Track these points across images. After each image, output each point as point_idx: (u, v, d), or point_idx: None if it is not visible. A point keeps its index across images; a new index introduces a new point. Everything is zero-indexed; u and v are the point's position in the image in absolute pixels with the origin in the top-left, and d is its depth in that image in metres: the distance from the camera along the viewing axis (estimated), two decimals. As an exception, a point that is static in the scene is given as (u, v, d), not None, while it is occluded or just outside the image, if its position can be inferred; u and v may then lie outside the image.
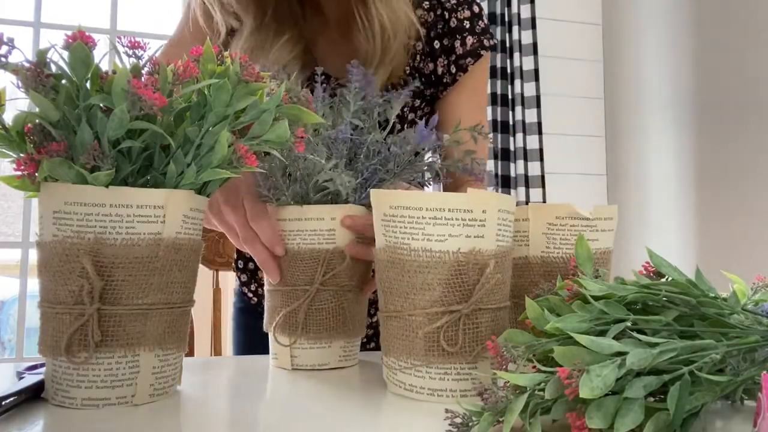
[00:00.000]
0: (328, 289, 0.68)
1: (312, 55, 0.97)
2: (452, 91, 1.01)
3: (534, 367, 0.45)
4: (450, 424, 0.43)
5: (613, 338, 0.43)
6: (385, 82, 0.93)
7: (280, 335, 0.69)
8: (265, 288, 0.72)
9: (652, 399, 0.41)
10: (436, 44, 1.00)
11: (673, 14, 2.07)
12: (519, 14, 2.46)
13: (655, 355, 0.41)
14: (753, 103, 1.76)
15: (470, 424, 0.43)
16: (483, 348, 0.55)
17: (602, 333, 0.45)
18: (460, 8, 1.00)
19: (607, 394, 0.39)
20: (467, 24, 0.99)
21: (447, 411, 0.43)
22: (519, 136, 2.42)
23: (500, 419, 0.42)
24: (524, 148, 2.42)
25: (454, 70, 0.99)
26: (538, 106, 2.43)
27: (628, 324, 0.45)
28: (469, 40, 0.99)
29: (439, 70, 1.00)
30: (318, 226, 0.67)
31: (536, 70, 2.43)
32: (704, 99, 1.92)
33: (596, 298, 0.48)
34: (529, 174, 2.43)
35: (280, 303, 0.69)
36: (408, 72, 0.98)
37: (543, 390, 0.41)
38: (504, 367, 0.45)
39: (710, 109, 1.90)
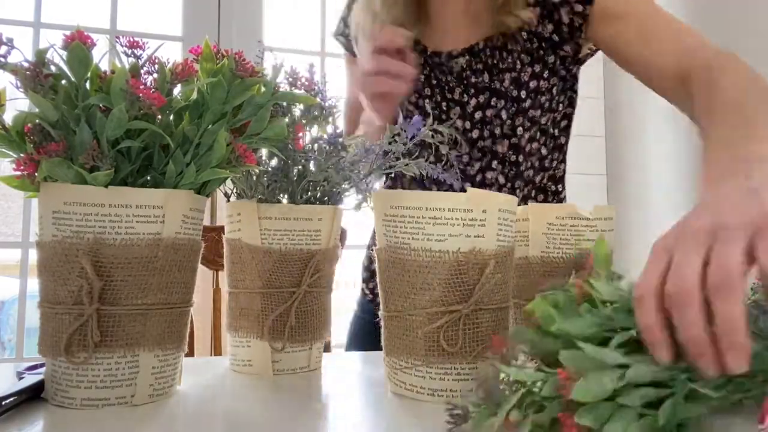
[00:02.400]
0: (313, 291, 0.67)
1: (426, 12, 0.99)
2: (612, 27, 0.91)
3: (534, 362, 0.45)
4: (449, 416, 0.43)
5: (620, 345, 0.43)
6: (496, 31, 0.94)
7: (269, 340, 0.66)
8: (229, 290, 0.68)
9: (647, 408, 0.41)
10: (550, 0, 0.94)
11: (672, 13, 2.07)
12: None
13: (656, 372, 0.40)
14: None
15: (468, 416, 0.43)
16: (483, 348, 0.55)
17: (609, 339, 0.44)
18: None
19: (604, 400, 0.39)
20: None
21: (448, 403, 0.44)
22: (519, 135, 2.42)
23: (497, 413, 0.42)
24: (524, 148, 2.41)
25: (580, 9, 0.92)
26: (538, 106, 2.42)
27: (634, 333, 0.44)
28: None
29: (565, 18, 0.93)
30: (306, 227, 0.66)
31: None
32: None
33: (606, 303, 0.47)
34: (529, 174, 2.42)
35: (261, 306, 0.65)
36: (526, 37, 0.94)
37: (540, 388, 0.41)
38: (507, 363, 0.45)
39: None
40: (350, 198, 0.71)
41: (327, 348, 1.03)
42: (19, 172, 0.51)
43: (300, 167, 0.68)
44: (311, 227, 0.66)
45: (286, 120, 0.64)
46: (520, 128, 0.95)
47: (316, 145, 0.68)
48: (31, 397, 0.52)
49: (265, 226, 0.66)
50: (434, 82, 0.98)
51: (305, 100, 0.63)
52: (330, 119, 0.69)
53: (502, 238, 0.56)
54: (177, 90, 0.55)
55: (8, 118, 0.52)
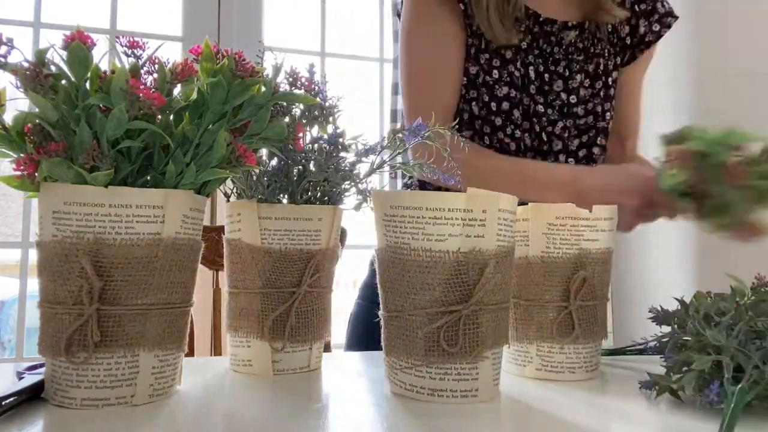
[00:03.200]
0: (313, 291, 0.67)
1: None
2: (639, 61, 1.06)
3: None
4: None
5: None
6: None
7: (269, 340, 0.66)
8: (229, 291, 0.68)
9: None
10: (636, 8, 1.04)
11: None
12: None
13: None
14: (753, 103, 1.76)
15: None
16: (483, 348, 0.55)
17: None
18: None
19: None
20: None
21: None
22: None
23: None
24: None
25: (657, 28, 1.04)
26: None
27: None
28: (666, 5, 1.06)
29: (642, 29, 1.04)
30: (306, 227, 0.66)
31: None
32: (704, 98, 1.92)
33: None
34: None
35: (261, 306, 0.65)
36: (610, 30, 1.03)
37: None
38: None
39: (710, 109, 1.89)
40: (350, 198, 0.71)
41: (327, 348, 1.03)
42: (19, 172, 0.51)
43: (300, 167, 0.68)
44: (311, 227, 0.66)
45: (286, 120, 0.64)
46: (608, 113, 1.02)
47: (316, 145, 0.68)
48: (31, 397, 0.52)
49: (265, 226, 0.66)
50: (537, 51, 0.99)
51: (305, 100, 0.63)
52: (330, 119, 0.69)
53: (502, 238, 0.56)
54: (177, 90, 0.55)
55: (8, 118, 0.52)
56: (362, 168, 0.70)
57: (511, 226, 0.58)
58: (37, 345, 0.53)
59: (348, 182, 0.69)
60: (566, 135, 0.99)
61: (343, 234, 1.27)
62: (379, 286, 0.60)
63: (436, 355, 0.54)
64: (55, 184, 0.51)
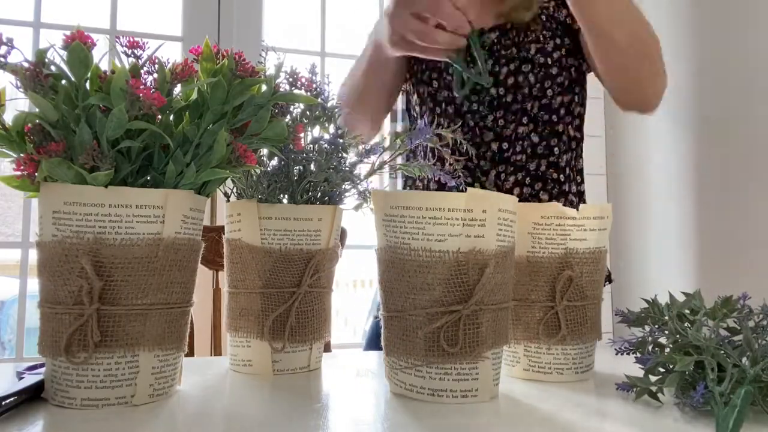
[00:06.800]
0: (314, 291, 0.67)
1: None
2: None
3: None
4: None
5: None
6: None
7: (269, 340, 0.66)
8: (229, 291, 0.68)
9: None
10: None
11: (672, 15, 2.07)
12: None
13: None
14: (753, 103, 1.76)
15: None
16: (483, 348, 0.55)
17: None
18: None
19: None
20: None
21: None
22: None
23: None
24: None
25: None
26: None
27: None
28: None
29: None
30: (306, 227, 0.66)
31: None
32: (705, 98, 1.92)
33: None
34: (530, 174, 2.42)
35: (261, 306, 0.66)
36: (545, 19, 1.08)
37: None
38: None
39: (711, 109, 1.90)
40: (350, 198, 0.71)
41: (327, 348, 1.03)
42: (19, 172, 0.51)
43: (300, 167, 0.68)
44: (311, 227, 0.66)
45: (287, 120, 0.64)
46: (550, 90, 1.08)
47: (316, 146, 0.68)
48: (31, 397, 0.52)
49: (265, 226, 0.66)
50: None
51: (305, 100, 0.63)
52: (332, 119, 0.69)
53: (502, 238, 0.56)
54: (177, 90, 0.55)
55: (8, 118, 0.52)
56: (362, 168, 0.70)
57: (511, 226, 0.58)
58: (37, 345, 0.53)
59: (348, 183, 0.69)
60: (499, 125, 1.07)
61: (343, 234, 1.27)
62: (379, 286, 0.60)
63: (436, 355, 0.54)
64: (55, 184, 0.51)
